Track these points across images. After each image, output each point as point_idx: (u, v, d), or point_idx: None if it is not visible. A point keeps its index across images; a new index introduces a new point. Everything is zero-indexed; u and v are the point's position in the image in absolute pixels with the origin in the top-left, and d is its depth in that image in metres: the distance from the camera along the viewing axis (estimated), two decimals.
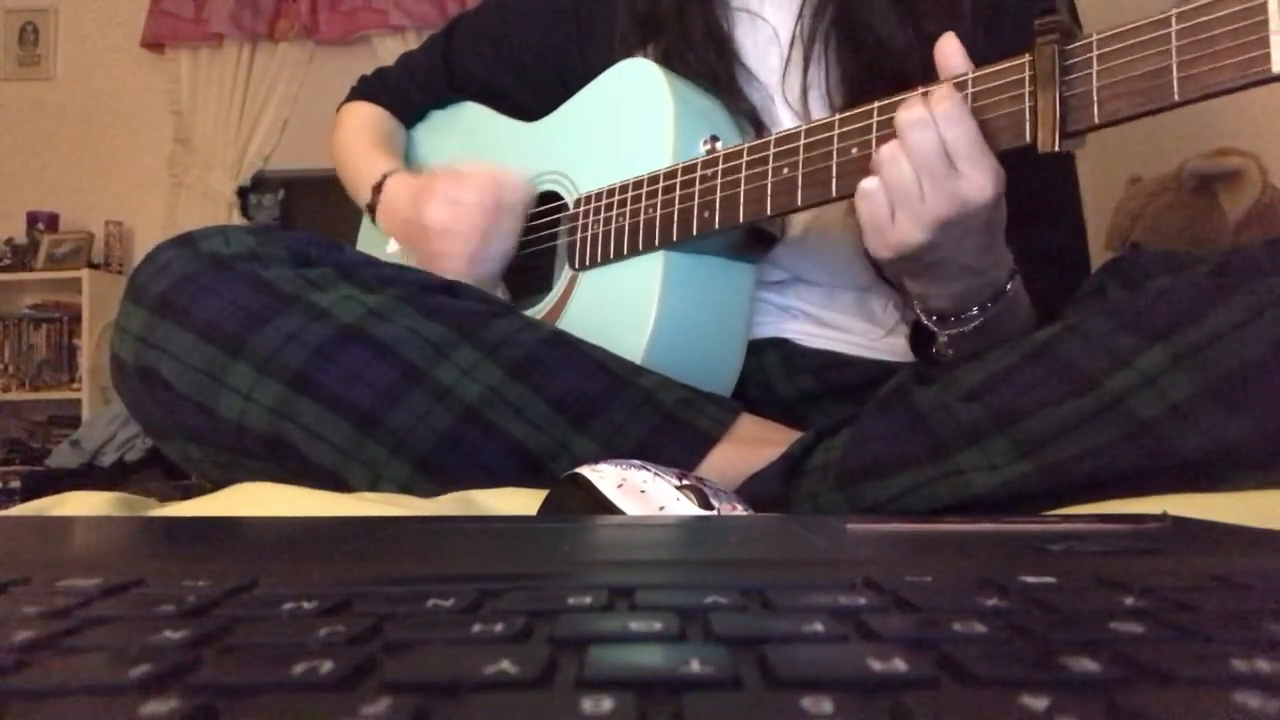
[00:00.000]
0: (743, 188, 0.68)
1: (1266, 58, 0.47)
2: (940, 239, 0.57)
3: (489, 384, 0.59)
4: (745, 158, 0.68)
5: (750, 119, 0.77)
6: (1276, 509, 0.44)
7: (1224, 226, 1.34)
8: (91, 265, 3.18)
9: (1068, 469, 0.50)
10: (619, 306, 0.74)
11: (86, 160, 3.32)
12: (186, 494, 0.64)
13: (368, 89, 1.05)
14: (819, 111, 0.75)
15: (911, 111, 0.57)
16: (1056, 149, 0.54)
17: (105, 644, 0.17)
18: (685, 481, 0.48)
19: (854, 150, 0.62)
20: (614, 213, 0.76)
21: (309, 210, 3.29)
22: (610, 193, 0.77)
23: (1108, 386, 0.50)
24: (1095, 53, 0.53)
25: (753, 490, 0.57)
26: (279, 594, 0.20)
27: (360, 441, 0.59)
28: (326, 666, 0.15)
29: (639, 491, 0.46)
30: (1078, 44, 0.54)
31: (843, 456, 0.57)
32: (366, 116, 1.02)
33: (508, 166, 0.85)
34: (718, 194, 0.69)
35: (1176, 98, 0.50)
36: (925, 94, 0.58)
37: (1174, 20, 0.50)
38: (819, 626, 0.17)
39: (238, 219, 3.25)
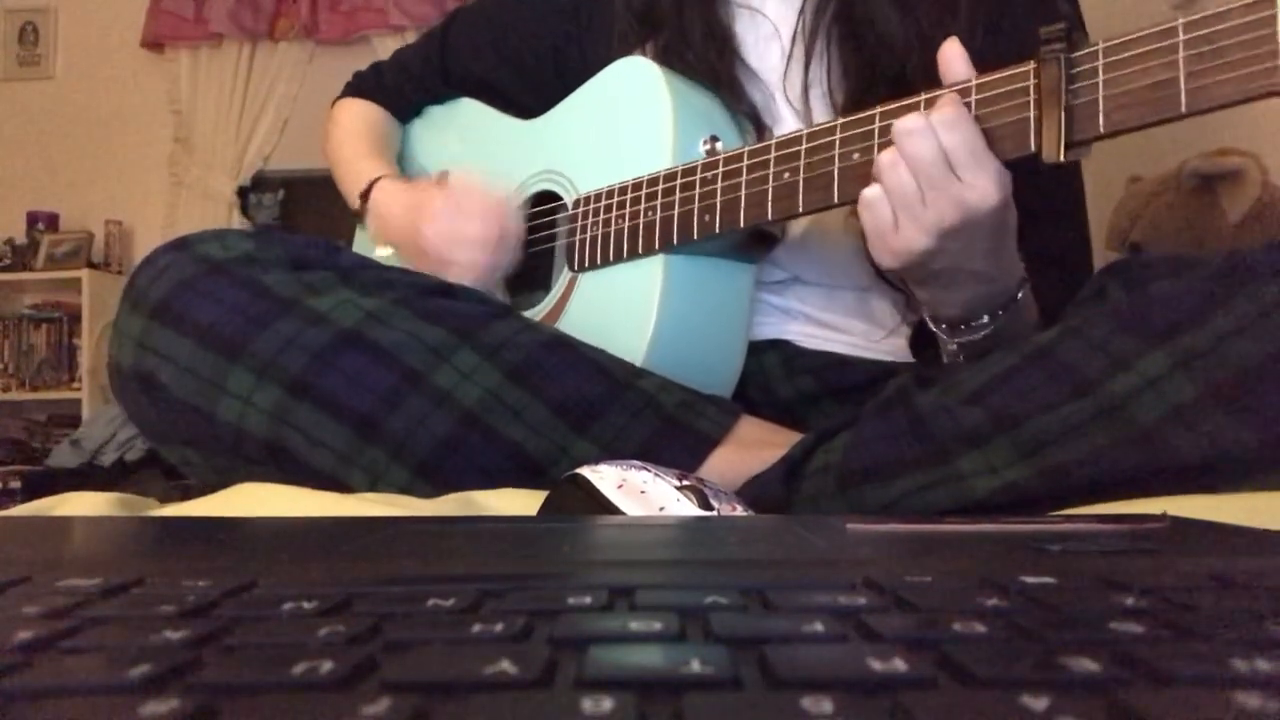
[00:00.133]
0: (743, 192, 0.67)
1: (1275, 70, 0.46)
2: (945, 246, 0.57)
3: (488, 387, 0.59)
4: (745, 161, 0.68)
5: (750, 118, 0.77)
6: (1276, 510, 0.44)
7: (1224, 226, 1.34)
8: (91, 265, 3.18)
9: (1068, 472, 0.50)
10: (619, 308, 0.74)
11: (86, 160, 3.32)
12: (186, 494, 0.64)
13: (363, 85, 1.04)
14: (820, 109, 0.75)
15: (908, 120, 0.57)
16: (1061, 159, 0.54)
17: (105, 644, 0.17)
18: (685, 482, 0.48)
19: (856, 156, 0.62)
20: (613, 214, 0.76)
21: (309, 210, 3.29)
22: (609, 194, 0.76)
23: (1109, 390, 0.50)
24: (1101, 62, 0.53)
25: (753, 493, 0.57)
26: (279, 594, 0.20)
27: (359, 446, 0.59)
28: (326, 666, 0.15)
29: (639, 492, 0.46)
30: (1083, 53, 0.53)
31: (843, 459, 0.57)
32: (360, 114, 1.01)
33: (503, 186, 0.85)
34: (718, 198, 0.69)
35: (1184, 109, 0.49)
36: (926, 101, 0.58)
37: (1180, 30, 0.50)
38: (819, 626, 0.17)
39: (238, 219, 3.25)
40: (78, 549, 0.34)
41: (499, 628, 0.17)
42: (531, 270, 0.86)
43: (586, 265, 0.77)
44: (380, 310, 0.61)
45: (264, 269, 0.62)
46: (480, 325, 0.61)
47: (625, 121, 0.78)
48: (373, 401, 0.58)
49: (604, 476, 0.47)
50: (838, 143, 0.63)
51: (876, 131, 0.61)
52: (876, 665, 0.15)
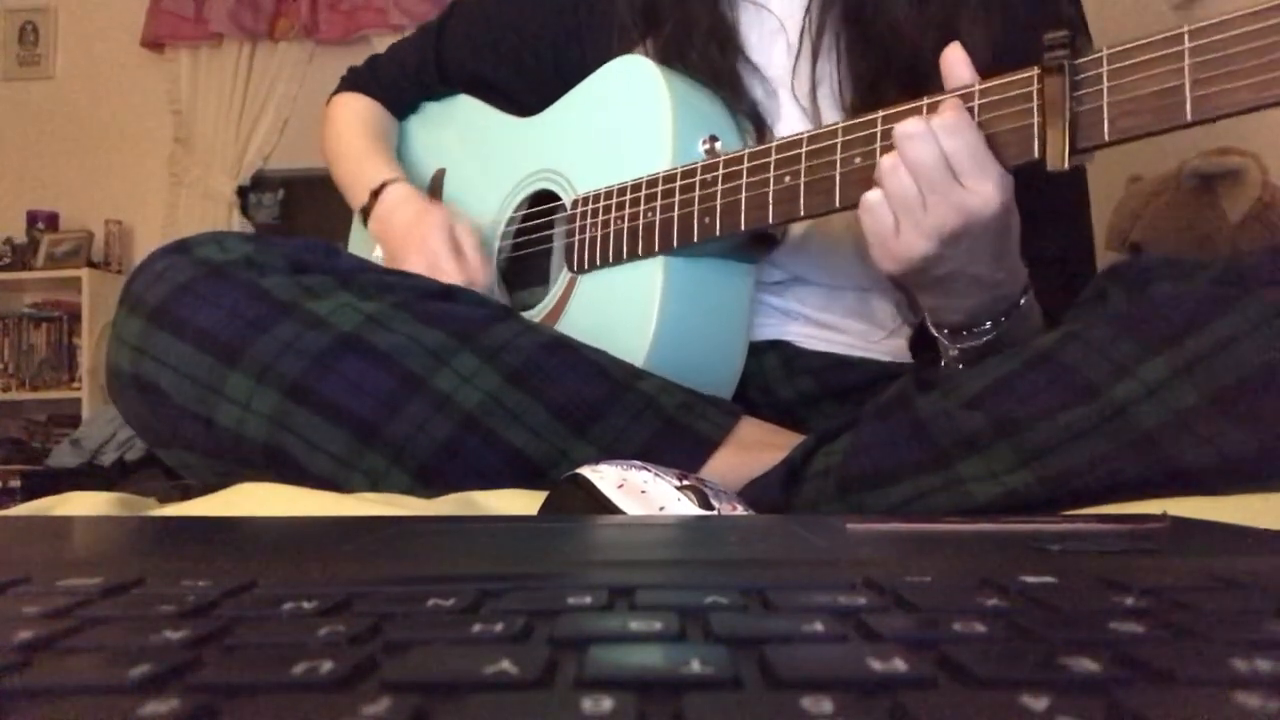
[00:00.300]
0: (744, 195, 0.67)
1: None
2: (946, 251, 0.57)
3: (489, 391, 0.59)
4: (746, 164, 0.67)
5: (751, 116, 0.76)
6: (1276, 510, 0.44)
7: (1224, 226, 1.33)
8: (91, 265, 3.18)
9: (1069, 479, 0.50)
10: (619, 310, 0.74)
11: (86, 160, 3.32)
12: (186, 494, 0.64)
13: (359, 80, 1.04)
14: (828, 108, 0.74)
15: (908, 124, 0.56)
16: (1065, 166, 0.53)
17: (105, 644, 0.17)
18: (685, 482, 0.48)
19: (858, 160, 0.61)
20: (612, 216, 0.75)
21: (309, 210, 3.29)
22: (608, 195, 0.76)
23: (1110, 395, 0.50)
24: (1105, 69, 0.52)
25: (753, 495, 0.57)
26: (279, 594, 0.20)
27: (359, 451, 0.59)
28: (326, 666, 0.15)
29: (639, 492, 0.46)
30: (1088, 59, 0.53)
31: (843, 464, 0.57)
32: (359, 111, 1.01)
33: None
34: (718, 200, 0.68)
35: (1189, 117, 0.49)
36: (929, 105, 0.58)
37: (1186, 38, 0.49)
38: (819, 626, 0.17)
39: (238, 218, 3.25)
40: (78, 549, 0.34)
41: (499, 628, 0.17)
42: (530, 270, 0.86)
43: (585, 266, 0.77)
44: (380, 314, 0.60)
45: (263, 272, 0.62)
46: (480, 328, 0.61)
47: (624, 121, 0.78)
48: (372, 406, 0.58)
49: (604, 476, 0.47)
50: (839, 146, 0.62)
51: (879, 135, 0.60)
52: (876, 665, 0.15)
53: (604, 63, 0.81)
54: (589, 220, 0.77)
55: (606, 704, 0.13)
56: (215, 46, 3.28)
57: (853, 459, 0.57)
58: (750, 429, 0.64)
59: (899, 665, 0.15)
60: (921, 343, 0.71)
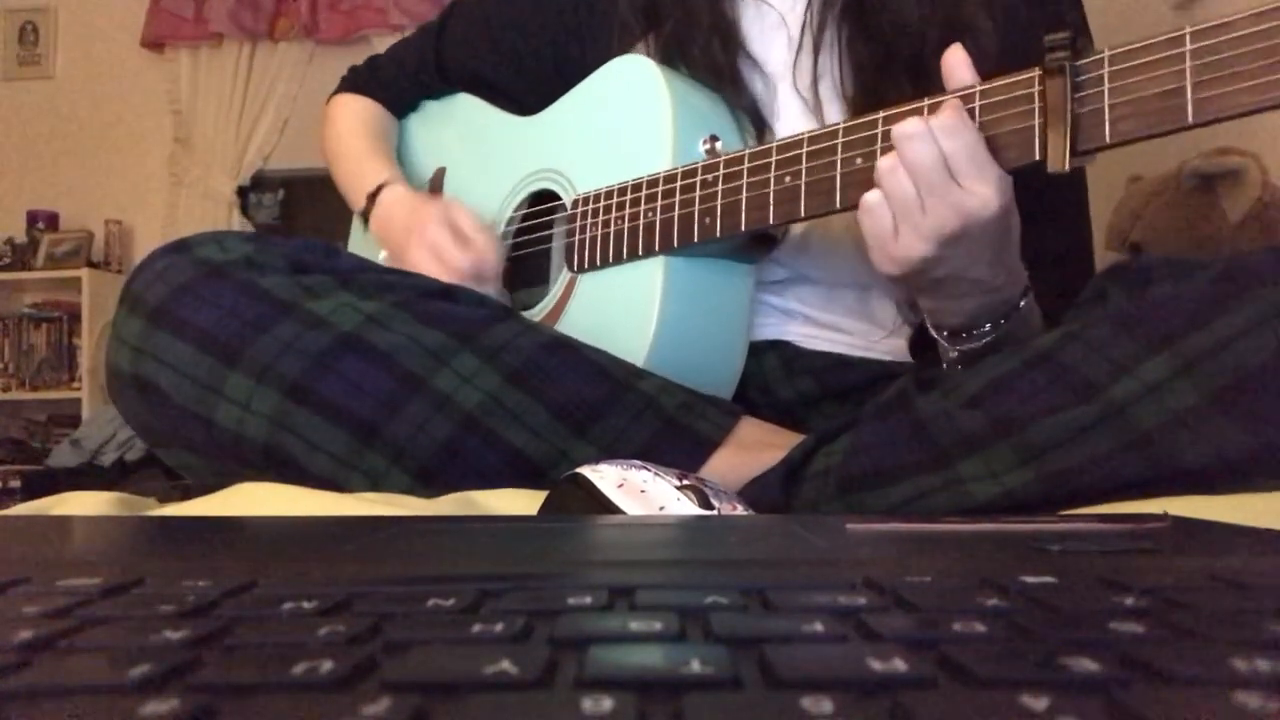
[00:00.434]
0: (744, 195, 0.67)
1: None
2: (945, 253, 0.57)
3: (489, 391, 0.59)
4: (746, 164, 0.67)
5: (752, 112, 0.76)
6: (1275, 510, 0.44)
7: (1224, 226, 1.33)
8: (91, 264, 3.18)
9: (1069, 478, 0.50)
10: (620, 310, 0.74)
11: (86, 160, 3.32)
12: (186, 494, 0.64)
13: (359, 80, 1.04)
14: (830, 101, 0.74)
15: (907, 124, 0.56)
16: (1066, 169, 0.53)
17: (105, 644, 0.17)
18: (685, 481, 0.48)
19: (858, 161, 0.61)
20: (612, 215, 0.75)
21: (309, 210, 3.29)
22: (609, 195, 0.76)
23: (1109, 395, 0.50)
24: (1107, 70, 0.52)
25: (753, 495, 0.57)
26: (279, 594, 0.20)
27: (359, 451, 0.59)
28: (326, 666, 0.15)
29: (639, 491, 0.46)
30: (1089, 60, 0.53)
31: (843, 464, 0.57)
32: (358, 112, 1.01)
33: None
34: (719, 200, 0.68)
35: (1191, 120, 0.49)
36: (930, 106, 0.58)
37: (1188, 40, 0.49)
38: (819, 626, 0.17)
39: (238, 218, 3.25)
40: (78, 549, 0.34)
41: (499, 628, 0.17)
42: (531, 270, 0.86)
43: (586, 266, 0.77)
44: (380, 313, 0.60)
45: (263, 272, 0.62)
46: (480, 328, 0.61)
47: (624, 121, 0.78)
48: (372, 406, 0.58)
49: (604, 476, 0.47)
50: (840, 147, 0.62)
51: (879, 136, 0.60)
52: (876, 665, 0.15)
53: (604, 61, 0.81)
54: (589, 220, 0.77)
55: (606, 704, 0.13)
56: (215, 46, 3.28)
57: (852, 459, 0.57)
58: (750, 429, 0.64)
59: (899, 665, 0.15)
60: (921, 343, 0.71)
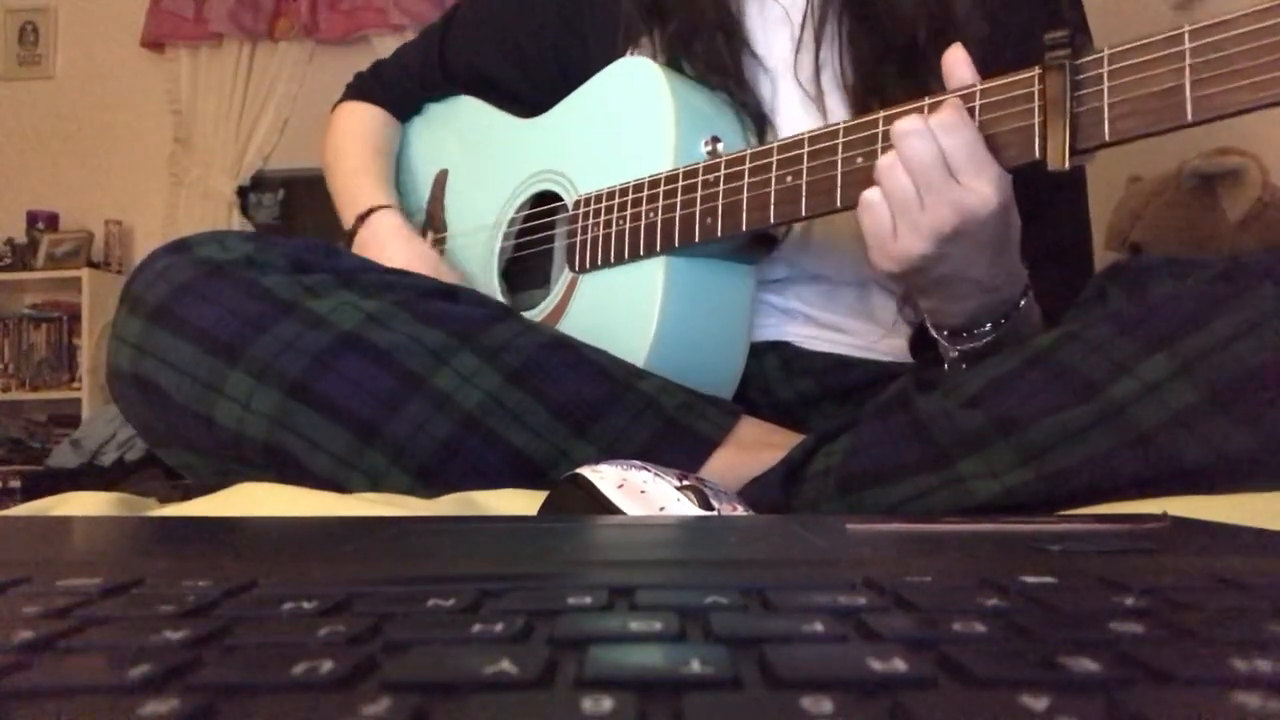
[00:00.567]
0: (745, 195, 0.67)
1: None
2: (944, 251, 0.57)
3: (489, 390, 0.59)
4: (747, 164, 0.67)
5: (754, 114, 0.76)
6: (1275, 510, 0.44)
7: (1224, 226, 1.33)
8: (91, 265, 3.18)
9: (1069, 477, 0.50)
10: (620, 310, 0.74)
11: (86, 160, 3.32)
12: (187, 494, 0.64)
13: (363, 85, 1.04)
14: (831, 93, 0.75)
15: (906, 121, 0.56)
16: (1066, 166, 0.53)
17: (105, 644, 0.17)
18: (685, 482, 0.48)
19: (859, 160, 0.61)
20: (614, 216, 0.75)
21: (309, 210, 3.29)
22: (610, 195, 0.76)
23: (1109, 394, 0.50)
24: (1106, 68, 0.52)
25: (753, 495, 0.57)
26: (279, 594, 0.20)
27: (360, 450, 0.59)
28: (326, 666, 0.15)
29: (639, 492, 0.46)
30: (1088, 59, 0.53)
31: (843, 463, 0.57)
32: (361, 121, 1.00)
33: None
34: (720, 200, 0.69)
35: (1190, 117, 0.49)
36: (930, 105, 0.58)
37: (1187, 38, 0.49)
38: (819, 626, 0.17)
39: (238, 219, 3.25)
40: (78, 549, 0.34)
41: (499, 628, 0.17)
42: (532, 270, 0.86)
43: (587, 266, 0.77)
44: (380, 313, 0.60)
45: (263, 271, 0.62)
46: (480, 328, 0.61)
47: (626, 122, 0.78)
48: (373, 405, 0.58)
49: (604, 476, 0.47)
50: (840, 146, 0.62)
51: (880, 136, 0.60)
52: (876, 665, 0.15)
53: (607, 59, 0.81)
54: (591, 220, 0.77)
55: (606, 704, 0.13)
56: (215, 46, 3.28)
57: (853, 458, 0.57)
58: (750, 429, 0.64)
59: (899, 665, 0.15)
60: (921, 343, 0.71)
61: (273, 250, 0.64)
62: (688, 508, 0.45)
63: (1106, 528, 0.31)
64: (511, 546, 0.31)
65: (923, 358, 0.72)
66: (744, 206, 0.67)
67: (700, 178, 0.70)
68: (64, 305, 3.27)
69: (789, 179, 0.65)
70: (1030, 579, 0.21)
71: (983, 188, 0.55)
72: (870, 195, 0.58)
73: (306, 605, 0.19)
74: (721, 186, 0.69)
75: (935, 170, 0.55)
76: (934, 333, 0.65)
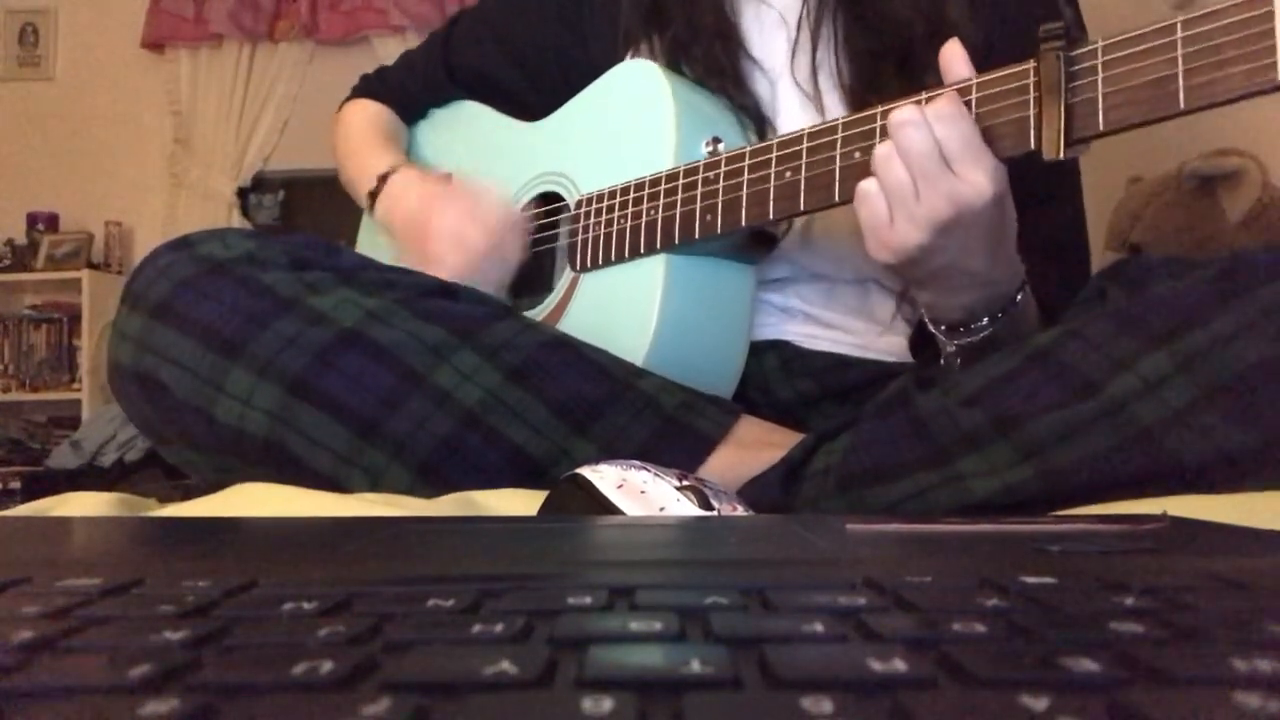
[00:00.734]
0: (745, 191, 0.67)
1: (1273, 67, 0.47)
2: (940, 242, 0.57)
3: (489, 388, 0.59)
4: (747, 161, 0.68)
5: (753, 115, 0.77)
6: (1275, 510, 0.44)
7: (1224, 227, 1.34)
8: (91, 265, 3.18)
9: (1068, 475, 0.50)
10: (621, 309, 0.74)
11: (86, 160, 3.32)
12: (187, 494, 0.64)
13: (369, 87, 1.05)
14: (829, 92, 0.75)
15: (902, 112, 0.57)
16: (1061, 157, 0.54)
17: (105, 644, 0.17)
18: (685, 482, 0.48)
19: (857, 154, 0.62)
20: (615, 215, 0.76)
21: (309, 210, 3.29)
22: (611, 194, 0.77)
23: (1109, 392, 0.50)
24: (1100, 59, 0.53)
25: (753, 494, 0.57)
26: (279, 594, 0.20)
27: (360, 448, 0.59)
28: (326, 666, 0.15)
29: (639, 492, 0.46)
30: (1082, 50, 0.54)
31: (843, 461, 0.57)
32: (370, 113, 1.01)
33: (505, 189, 0.85)
34: (719, 197, 0.69)
35: (1182, 106, 0.50)
36: (928, 99, 0.58)
37: (1179, 28, 0.50)
38: (819, 626, 0.17)
39: (238, 219, 3.25)
40: (78, 549, 0.34)
41: (499, 628, 0.17)
42: (534, 270, 0.86)
43: (588, 265, 0.78)
44: (381, 310, 0.61)
45: (264, 268, 0.62)
46: (481, 326, 0.61)
47: (628, 124, 0.78)
48: (373, 402, 0.58)
49: (604, 476, 0.47)
50: (839, 142, 0.63)
51: (878, 130, 0.61)
52: (876, 665, 0.15)
53: (609, 63, 0.81)
54: (592, 219, 0.78)
55: (606, 704, 0.13)
56: (215, 47, 3.28)
57: (853, 456, 0.57)
58: (750, 428, 0.64)
59: (899, 665, 0.15)
60: (921, 342, 0.71)
61: (273, 247, 0.64)
62: (688, 508, 0.45)
63: (1106, 528, 0.31)
64: (511, 546, 0.31)
65: (922, 356, 0.72)
66: (743, 202, 0.67)
67: (700, 175, 0.70)
68: (64, 306, 3.27)
69: (788, 174, 0.65)
70: (1030, 579, 0.21)
71: (978, 178, 0.55)
72: (867, 185, 0.58)
73: (306, 605, 0.19)
74: (721, 183, 0.69)
75: (931, 160, 0.56)
76: (931, 328, 0.65)
